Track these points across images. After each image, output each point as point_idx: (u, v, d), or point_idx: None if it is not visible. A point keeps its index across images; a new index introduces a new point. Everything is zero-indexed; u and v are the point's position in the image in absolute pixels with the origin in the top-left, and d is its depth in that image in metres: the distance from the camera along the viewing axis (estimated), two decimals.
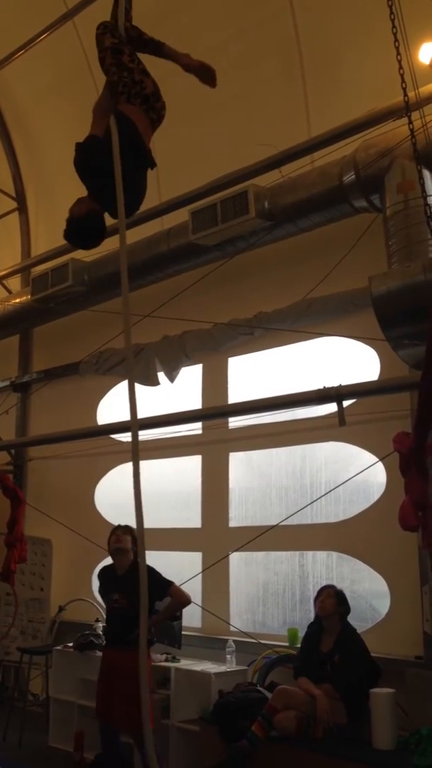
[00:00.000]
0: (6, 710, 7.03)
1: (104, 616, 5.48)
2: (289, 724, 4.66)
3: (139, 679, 2.28)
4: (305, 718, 4.66)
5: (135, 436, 2.41)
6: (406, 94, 3.46)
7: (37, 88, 8.43)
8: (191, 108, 6.41)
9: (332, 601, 5.05)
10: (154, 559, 6.66)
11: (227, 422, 6.72)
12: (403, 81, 3.40)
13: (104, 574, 5.51)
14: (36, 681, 7.69)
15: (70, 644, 6.83)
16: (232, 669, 5.84)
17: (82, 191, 2.85)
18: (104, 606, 5.63)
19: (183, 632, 6.27)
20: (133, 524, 5.46)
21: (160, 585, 5.11)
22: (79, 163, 2.86)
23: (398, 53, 3.37)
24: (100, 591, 5.56)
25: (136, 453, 2.37)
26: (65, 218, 2.86)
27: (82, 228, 2.86)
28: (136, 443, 2.40)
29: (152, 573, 5.07)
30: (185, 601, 5.29)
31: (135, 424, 2.43)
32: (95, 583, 6.21)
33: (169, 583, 5.17)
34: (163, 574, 5.17)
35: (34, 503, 7.33)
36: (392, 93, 4.19)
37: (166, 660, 6.09)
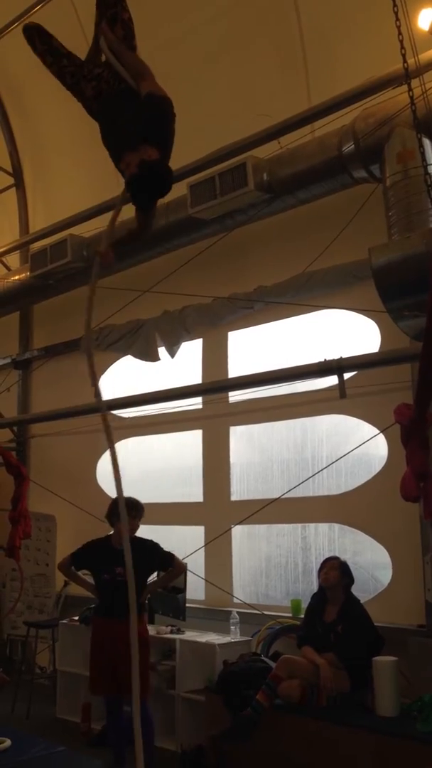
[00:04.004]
0: (14, 683, 7.12)
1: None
2: (293, 692, 4.73)
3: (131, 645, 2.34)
4: (309, 687, 4.73)
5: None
6: (405, 61, 3.42)
7: (32, 63, 8.21)
8: (188, 79, 6.32)
9: (336, 573, 5.09)
10: (158, 533, 6.68)
11: (228, 396, 6.71)
12: (402, 47, 3.35)
13: (98, 548, 5.29)
14: (43, 654, 7.78)
15: (76, 617, 6.90)
16: (236, 640, 5.90)
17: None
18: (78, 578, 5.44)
19: (187, 605, 6.33)
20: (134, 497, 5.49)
21: (165, 558, 5.23)
22: (169, 112, 2.99)
23: (397, 19, 3.32)
24: (88, 565, 5.32)
25: None
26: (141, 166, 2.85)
27: (157, 173, 2.94)
28: None
29: (156, 546, 5.21)
30: (183, 569, 5.56)
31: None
32: None
33: (172, 555, 5.27)
34: (166, 548, 5.26)
35: (37, 480, 7.35)
36: (392, 60, 4.13)
37: (171, 632, 6.16)
